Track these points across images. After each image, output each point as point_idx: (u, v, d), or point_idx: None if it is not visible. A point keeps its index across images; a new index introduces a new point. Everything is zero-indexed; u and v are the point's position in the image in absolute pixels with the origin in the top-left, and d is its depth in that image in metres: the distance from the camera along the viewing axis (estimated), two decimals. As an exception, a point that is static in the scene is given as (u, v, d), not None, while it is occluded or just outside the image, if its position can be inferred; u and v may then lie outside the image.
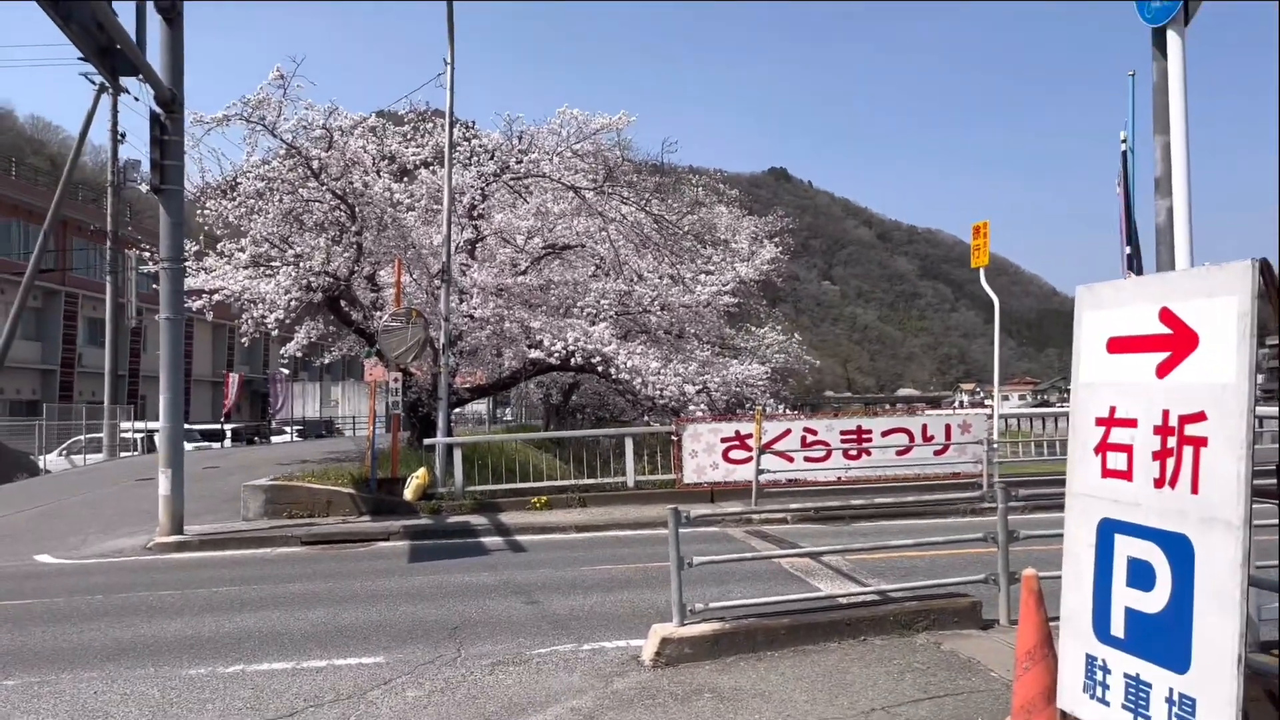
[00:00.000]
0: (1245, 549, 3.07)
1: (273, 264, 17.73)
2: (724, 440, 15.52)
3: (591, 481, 15.91)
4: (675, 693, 5.61)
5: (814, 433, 15.72)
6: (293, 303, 17.26)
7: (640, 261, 21.69)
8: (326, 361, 26.49)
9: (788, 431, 15.66)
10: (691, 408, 17.90)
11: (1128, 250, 4.41)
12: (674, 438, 15.65)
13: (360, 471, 15.89)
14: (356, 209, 17.04)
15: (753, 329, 28.52)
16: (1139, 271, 5.02)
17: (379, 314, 17.61)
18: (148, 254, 18.27)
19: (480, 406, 43.70)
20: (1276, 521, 4.96)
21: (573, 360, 17.97)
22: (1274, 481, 4.74)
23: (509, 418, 50.54)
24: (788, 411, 18.55)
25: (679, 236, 21.30)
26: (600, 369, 18.28)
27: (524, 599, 8.63)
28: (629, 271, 21.37)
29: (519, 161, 19.31)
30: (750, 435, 15.26)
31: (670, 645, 6.24)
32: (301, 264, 17.01)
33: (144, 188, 19.74)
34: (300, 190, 16.94)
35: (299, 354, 22.28)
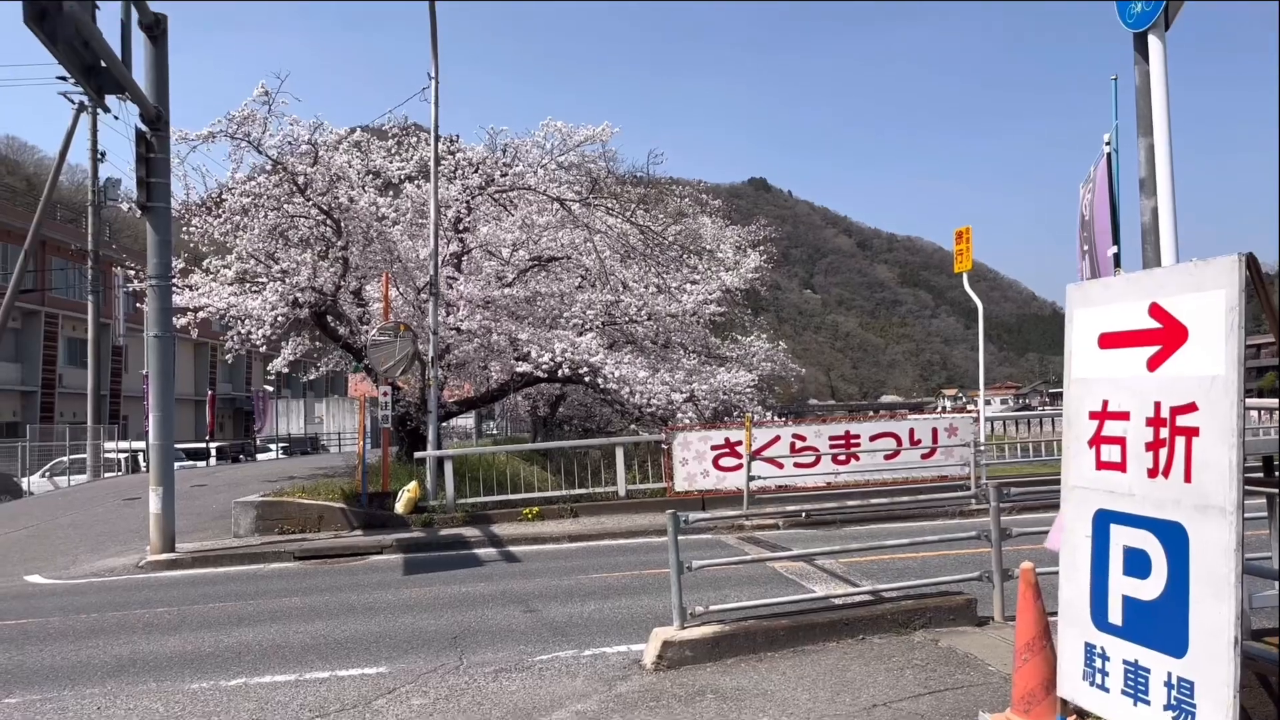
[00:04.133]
0: (1238, 534, 3.17)
1: (259, 280, 17.73)
2: (714, 448, 15.61)
3: (582, 491, 15.95)
4: (678, 694, 5.68)
5: (803, 439, 15.83)
6: (279, 318, 17.26)
7: (626, 272, 21.80)
8: (311, 378, 26.41)
9: (777, 438, 15.76)
10: (679, 416, 17.99)
11: (1113, 250, 4.53)
12: (664, 446, 15.73)
13: (350, 486, 15.87)
14: (342, 224, 17.08)
15: (739, 337, 28.63)
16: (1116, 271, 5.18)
17: (366, 328, 17.63)
18: (132, 272, 18.23)
19: (466, 421, 43.67)
20: (1266, 514, 5.08)
21: (560, 371, 18.02)
22: (1261, 474, 4.86)
23: (494, 431, 50.44)
24: (774, 418, 18.66)
25: (664, 247, 21.43)
26: (588, 379, 18.35)
27: (522, 608, 8.67)
28: (615, 282, 21.48)
29: (503, 174, 19.41)
30: (739, 442, 15.37)
31: (671, 648, 6.30)
32: (288, 279, 17.03)
33: (125, 206, 19.75)
34: (286, 206, 16.97)
35: (284, 369, 22.24)
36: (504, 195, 19.80)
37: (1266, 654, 4.21)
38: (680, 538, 6.54)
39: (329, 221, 17.20)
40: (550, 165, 19.19)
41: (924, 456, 15.96)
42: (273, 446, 43.88)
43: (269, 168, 16.74)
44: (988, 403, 19.88)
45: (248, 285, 17.93)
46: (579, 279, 21.99)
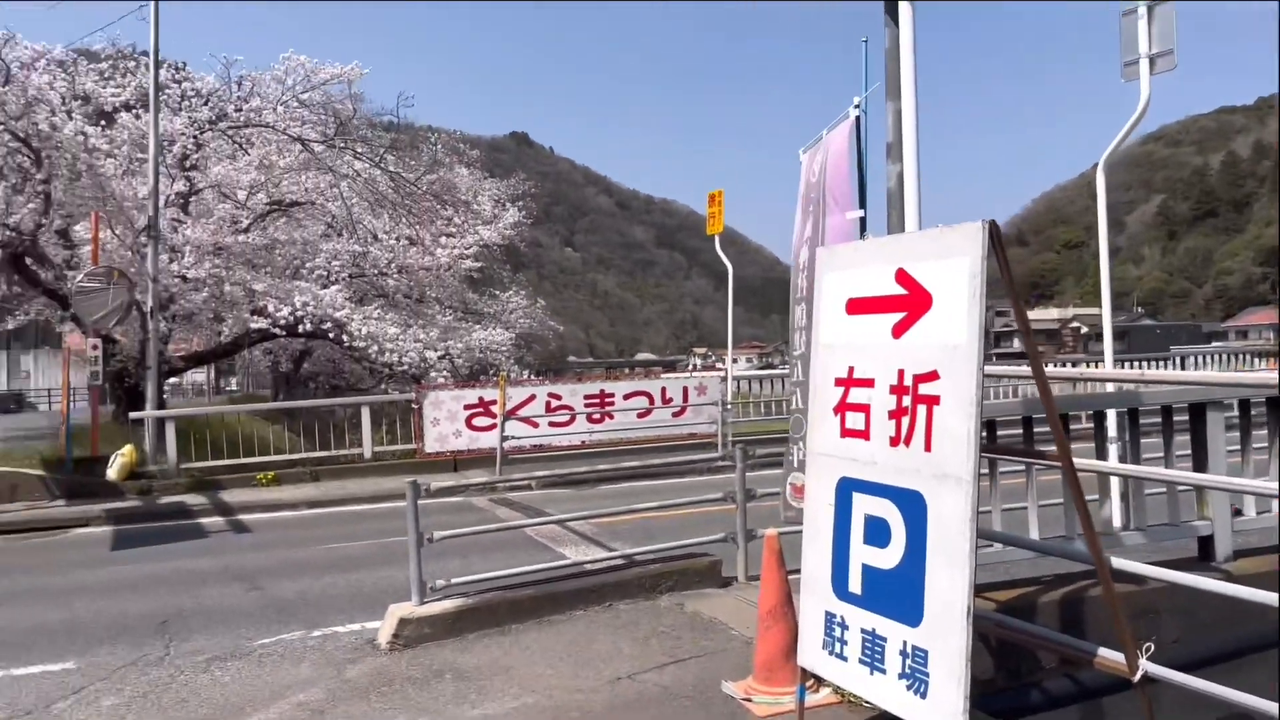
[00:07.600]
0: (974, 504, 3.17)
1: (-64, 214, 15.26)
2: (467, 407, 15.11)
3: (325, 454, 15.00)
4: (414, 676, 5.28)
5: (558, 397, 15.64)
6: (-37, 259, 14.97)
7: (376, 221, 20.67)
8: (11, 327, 23.29)
9: (532, 397, 15.48)
10: (433, 374, 17.32)
11: (860, 214, 4.55)
12: (414, 405, 15.05)
13: (53, 450, 14.10)
14: (43, 153, 14.97)
15: (497, 294, 28.04)
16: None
17: (73, 273, 15.63)
18: None
19: (200, 376, 40.50)
20: (988, 473, 5.33)
21: (301, 326, 16.83)
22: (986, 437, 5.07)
23: (234, 388, 47.22)
24: (532, 377, 18.39)
25: (417, 196, 20.47)
26: (333, 335, 17.26)
27: (246, 585, 7.92)
28: (363, 232, 20.32)
29: (239, 109, 17.77)
30: (494, 401, 14.96)
31: (409, 626, 5.88)
32: (-27, 214, 14.76)
33: None
34: (-31, 129, 14.65)
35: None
36: (239, 132, 18.14)
37: (986, 613, 4.38)
38: (428, 502, 6.12)
39: (26, 150, 15.03)
40: (291, 102, 17.75)
41: (675, 415, 16.22)
42: (-36, 404, 38.75)
43: (-55, 82, 14.35)
44: (734, 361, 20.56)
45: (-78, 219, 15.38)
46: (324, 227, 20.63)
